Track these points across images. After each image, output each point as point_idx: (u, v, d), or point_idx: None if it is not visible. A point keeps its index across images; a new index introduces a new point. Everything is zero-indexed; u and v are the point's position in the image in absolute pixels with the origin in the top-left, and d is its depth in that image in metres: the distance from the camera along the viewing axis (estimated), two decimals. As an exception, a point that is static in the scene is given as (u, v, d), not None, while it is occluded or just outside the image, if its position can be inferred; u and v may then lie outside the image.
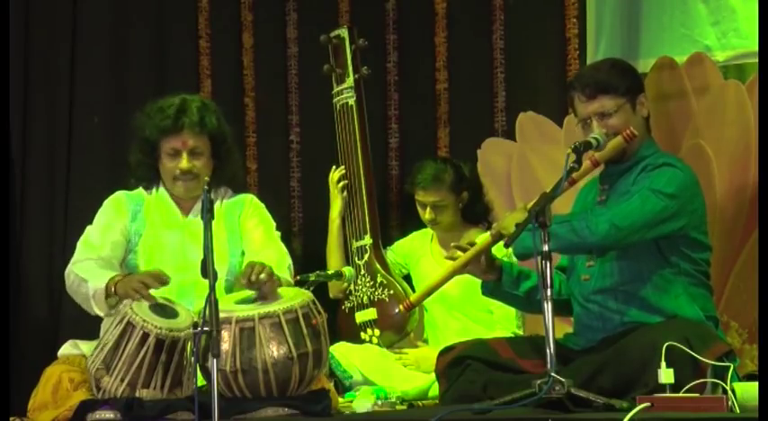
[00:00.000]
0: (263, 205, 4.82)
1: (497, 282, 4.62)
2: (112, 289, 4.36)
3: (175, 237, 4.70)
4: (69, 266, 4.55)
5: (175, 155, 4.66)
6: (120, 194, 4.77)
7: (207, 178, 3.91)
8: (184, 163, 4.64)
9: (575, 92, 4.54)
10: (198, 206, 4.64)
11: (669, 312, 4.37)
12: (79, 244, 4.64)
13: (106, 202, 4.75)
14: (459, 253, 4.56)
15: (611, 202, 4.48)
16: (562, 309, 4.59)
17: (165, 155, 4.68)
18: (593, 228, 4.28)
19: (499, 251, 4.73)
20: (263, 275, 4.27)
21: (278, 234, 4.77)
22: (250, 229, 4.73)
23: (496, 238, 4.49)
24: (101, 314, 4.44)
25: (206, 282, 3.76)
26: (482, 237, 4.68)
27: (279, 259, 4.61)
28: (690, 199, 4.40)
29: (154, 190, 4.76)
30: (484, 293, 4.71)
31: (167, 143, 4.66)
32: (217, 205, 4.64)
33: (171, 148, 4.65)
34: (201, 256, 3.78)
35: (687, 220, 4.39)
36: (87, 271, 4.47)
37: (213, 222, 3.83)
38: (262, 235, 4.72)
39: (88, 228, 4.68)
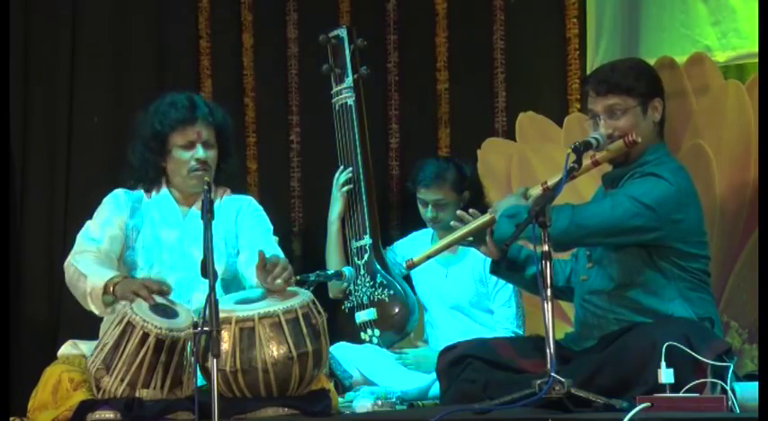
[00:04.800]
0: (261, 208, 4.81)
1: (502, 262, 4.63)
2: (111, 289, 4.37)
3: (174, 234, 4.69)
4: (69, 258, 4.57)
5: (190, 146, 4.65)
6: (119, 191, 4.76)
7: (207, 178, 3.90)
8: (201, 152, 4.64)
9: (588, 86, 4.51)
10: (198, 202, 4.66)
11: (662, 315, 4.35)
12: (79, 236, 4.65)
13: (106, 198, 4.75)
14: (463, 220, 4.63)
15: None
16: (569, 297, 4.63)
17: (176, 148, 4.66)
18: (554, 222, 4.11)
19: None
20: (279, 281, 4.27)
21: (275, 239, 4.75)
22: (246, 230, 4.72)
23: (493, 221, 4.54)
24: (96, 311, 4.45)
25: (203, 278, 3.76)
26: (484, 217, 4.67)
27: None
28: (673, 209, 4.30)
29: (154, 192, 4.75)
30: (491, 271, 4.74)
31: (181, 135, 4.65)
32: (216, 203, 4.63)
33: (186, 140, 4.65)
34: (200, 256, 3.79)
35: (666, 232, 4.30)
36: (87, 266, 4.48)
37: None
38: (258, 237, 4.70)
39: (88, 222, 4.69)
